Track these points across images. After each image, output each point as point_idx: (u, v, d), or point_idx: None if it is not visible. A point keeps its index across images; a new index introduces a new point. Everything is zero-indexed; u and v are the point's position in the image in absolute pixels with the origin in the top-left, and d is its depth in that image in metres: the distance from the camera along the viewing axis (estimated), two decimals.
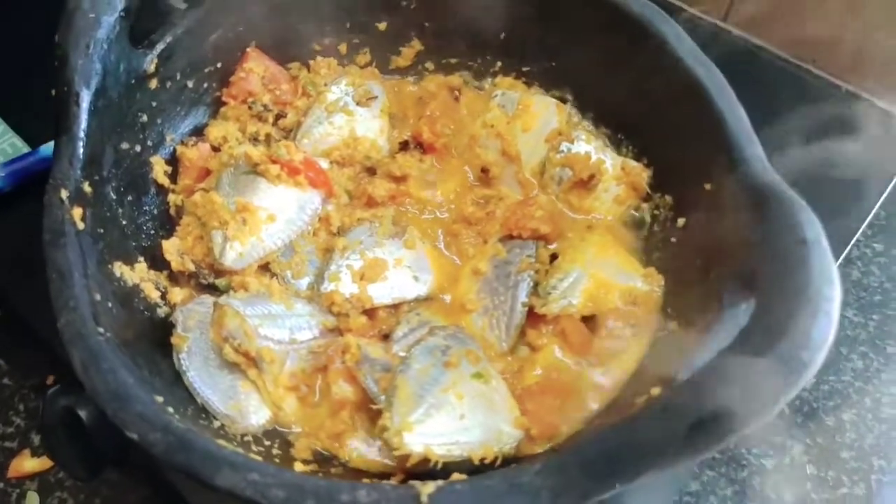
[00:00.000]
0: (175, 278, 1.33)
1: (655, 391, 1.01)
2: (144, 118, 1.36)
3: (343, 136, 1.49)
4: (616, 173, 1.43)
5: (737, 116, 1.24)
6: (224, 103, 1.50)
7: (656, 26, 1.35)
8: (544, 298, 1.29)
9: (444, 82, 1.59)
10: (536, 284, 1.32)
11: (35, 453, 1.39)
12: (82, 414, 1.32)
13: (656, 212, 1.40)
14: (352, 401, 1.20)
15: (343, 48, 1.59)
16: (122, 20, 1.28)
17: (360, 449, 1.17)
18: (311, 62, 1.57)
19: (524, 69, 1.59)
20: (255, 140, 1.48)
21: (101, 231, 1.24)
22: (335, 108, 1.50)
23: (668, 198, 1.38)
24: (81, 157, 1.21)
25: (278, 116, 1.52)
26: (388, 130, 1.53)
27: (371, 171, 1.49)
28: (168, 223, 1.39)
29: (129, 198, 1.33)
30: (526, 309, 1.29)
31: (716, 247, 1.19)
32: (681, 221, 1.33)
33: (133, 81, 1.33)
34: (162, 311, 1.29)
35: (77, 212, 1.17)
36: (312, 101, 1.52)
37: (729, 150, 1.22)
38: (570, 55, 1.51)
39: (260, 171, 1.34)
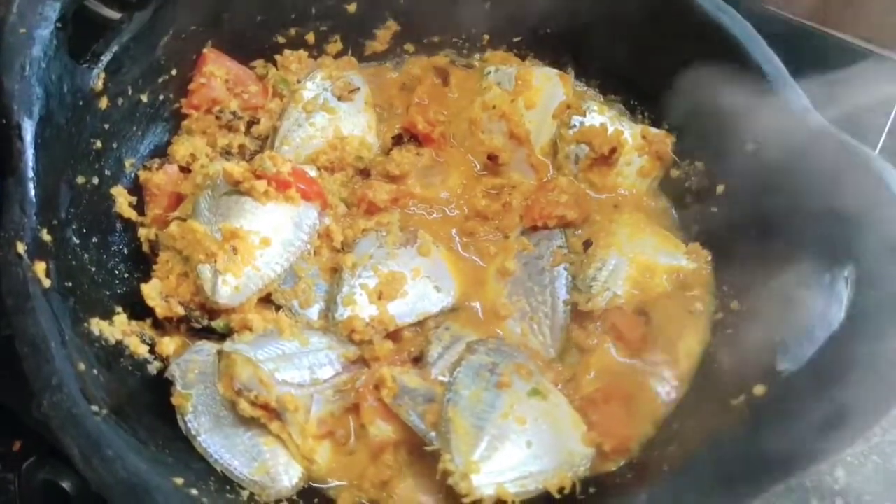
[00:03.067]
0: (162, 326, 1.14)
1: (759, 390, 0.88)
2: (98, 144, 1.16)
3: (327, 137, 1.31)
4: (637, 143, 1.29)
5: (774, 65, 1.13)
6: (185, 115, 1.30)
7: None
8: (587, 293, 1.16)
9: (429, 64, 1.43)
10: (573, 278, 1.18)
11: None
12: (66, 486, 1.16)
13: (687, 182, 1.27)
14: (393, 440, 1.05)
15: (311, 38, 1.40)
16: (58, 33, 1.07)
17: (413, 495, 1.02)
18: (278, 57, 1.38)
19: (515, 39, 1.43)
20: (227, 154, 1.30)
21: (70, 284, 1.04)
22: (314, 107, 1.32)
23: (699, 163, 1.26)
24: (34, 199, 1.01)
25: (250, 123, 1.33)
26: (376, 125, 1.36)
27: (365, 174, 1.32)
28: (142, 262, 1.20)
29: (94, 239, 1.14)
30: (569, 307, 1.15)
31: (774, 211, 1.08)
32: (720, 188, 1.21)
33: (80, 103, 1.12)
34: (154, 368, 1.10)
35: (40, 267, 0.97)
36: (287, 102, 1.33)
37: (772, 102, 1.11)
38: (567, 17, 1.36)
39: (244, 189, 1.16)
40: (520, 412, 1.00)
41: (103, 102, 1.16)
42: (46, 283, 0.97)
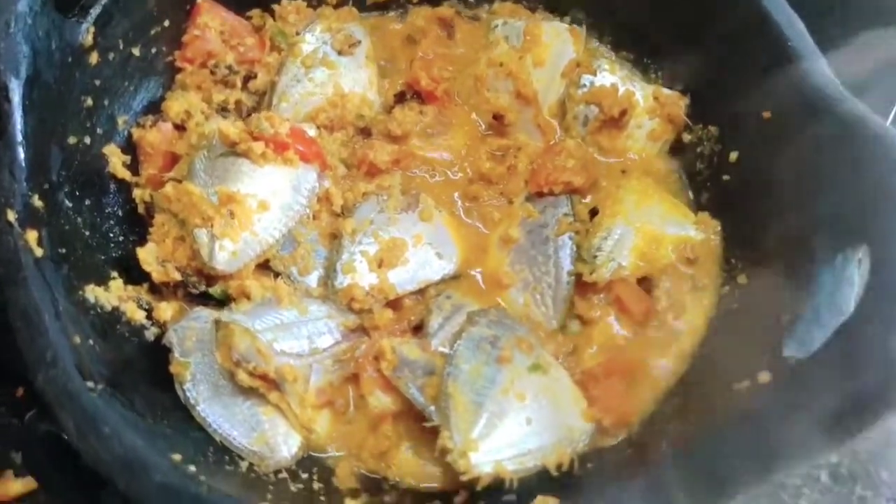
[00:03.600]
0: (159, 291, 1.13)
1: (764, 377, 0.87)
2: (89, 102, 1.12)
3: (327, 94, 1.26)
4: (648, 105, 1.25)
5: (795, 28, 1.07)
6: (180, 69, 1.25)
7: None
8: (591, 263, 1.13)
9: (433, 14, 1.36)
10: (578, 247, 1.15)
11: (18, 473, 1.20)
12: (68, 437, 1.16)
13: (699, 147, 1.23)
14: (392, 411, 1.04)
15: None
16: None
17: (411, 466, 1.02)
18: (276, 7, 1.32)
19: None
20: (223, 111, 1.25)
21: (63, 251, 1.02)
22: (313, 62, 1.27)
23: (713, 128, 1.21)
24: (24, 164, 0.98)
25: (247, 78, 1.28)
26: (377, 81, 1.31)
27: (365, 133, 1.27)
28: (138, 224, 1.17)
29: (88, 202, 1.11)
30: (573, 278, 1.13)
31: (790, 184, 1.04)
32: (733, 156, 1.17)
33: (69, 59, 1.08)
34: (151, 334, 1.09)
35: (31, 235, 0.95)
36: (285, 56, 1.28)
37: (790, 68, 1.06)
38: None
39: (240, 151, 1.12)
40: (520, 388, 0.99)
41: (93, 58, 1.12)
42: (38, 251, 0.95)
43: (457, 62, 1.33)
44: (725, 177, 1.18)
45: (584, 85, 1.26)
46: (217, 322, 1.04)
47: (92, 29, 1.10)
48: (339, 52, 1.28)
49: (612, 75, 1.26)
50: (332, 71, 1.27)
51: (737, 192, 1.16)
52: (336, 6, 1.36)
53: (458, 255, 1.18)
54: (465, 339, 1.04)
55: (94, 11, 1.10)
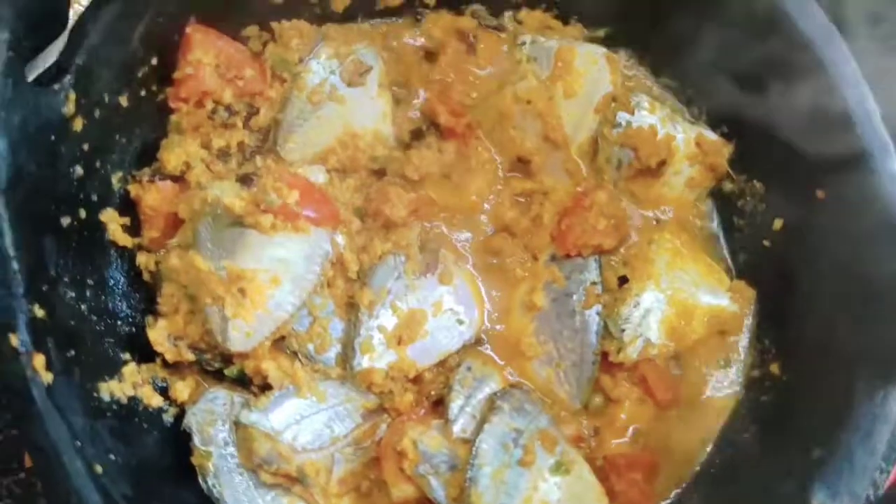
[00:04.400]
0: (173, 364, 1.09)
1: None
2: (79, 171, 1.02)
3: (337, 133, 1.14)
4: (689, 151, 1.14)
5: (872, 123, 0.95)
6: (173, 110, 1.12)
7: None
8: (618, 339, 1.09)
9: (452, 24, 1.20)
10: (605, 318, 1.10)
11: None
12: None
13: (741, 201, 1.14)
14: (415, 498, 1.06)
15: None
16: (12, 63, 0.89)
17: None
18: (275, 26, 1.16)
19: None
20: (225, 155, 1.14)
21: (72, 353, 0.98)
22: (320, 97, 1.13)
23: (758, 184, 1.12)
24: (20, 275, 0.91)
25: (248, 115, 1.16)
26: (391, 111, 1.18)
27: (380, 174, 1.17)
28: (144, 291, 1.12)
29: (90, 282, 1.05)
30: (598, 356, 1.10)
31: (837, 291, 0.98)
32: (777, 223, 1.09)
33: (53, 137, 0.96)
34: (170, 416, 1.08)
35: (39, 360, 0.90)
36: (289, 89, 1.14)
37: (858, 160, 0.96)
38: None
39: (248, 224, 1.04)
40: (543, 493, 1.00)
41: (78, 124, 1.00)
42: (48, 377, 0.91)
43: (479, 87, 1.19)
44: (766, 242, 1.11)
45: (620, 124, 1.14)
46: (237, 424, 1.02)
47: (72, 95, 0.97)
48: (349, 84, 1.15)
49: (651, 115, 1.14)
50: (342, 106, 1.14)
51: (778, 264, 1.09)
52: (344, 13, 1.19)
53: (479, 316, 1.14)
54: (488, 433, 1.03)
55: (72, 71, 0.97)
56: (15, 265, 0.91)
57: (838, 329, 0.97)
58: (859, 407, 0.91)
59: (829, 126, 0.99)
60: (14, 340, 0.89)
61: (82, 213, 1.03)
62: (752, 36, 1.03)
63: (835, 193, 0.99)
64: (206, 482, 1.03)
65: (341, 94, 1.14)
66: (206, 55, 1.10)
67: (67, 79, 0.97)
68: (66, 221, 1.00)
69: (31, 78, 0.94)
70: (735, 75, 1.11)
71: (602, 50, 1.16)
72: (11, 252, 0.90)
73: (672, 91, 1.19)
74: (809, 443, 0.93)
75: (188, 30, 1.10)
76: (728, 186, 1.15)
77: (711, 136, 1.14)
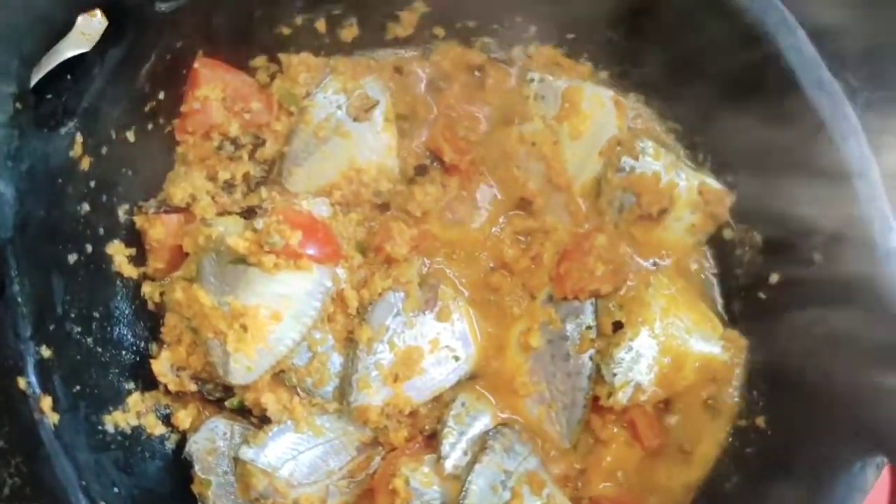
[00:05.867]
0: (175, 392, 1.13)
1: None
2: (86, 208, 1.04)
3: (341, 167, 1.15)
4: (691, 198, 1.14)
5: (869, 179, 0.95)
6: (178, 141, 1.13)
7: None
8: (609, 384, 1.11)
9: (461, 57, 1.20)
10: (598, 362, 1.12)
11: None
12: None
13: (739, 250, 1.14)
14: None
15: (321, 25, 1.15)
16: (19, 115, 0.90)
17: None
18: (283, 58, 1.15)
19: (569, 36, 1.18)
20: (230, 186, 1.16)
21: (78, 388, 1.02)
22: (326, 132, 1.14)
23: (758, 236, 1.12)
24: (27, 318, 0.94)
25: (254, 147, 1.16)
26: (396, 145, 1.18)
27: (383, 207, 1.18)
28: (148, 319, 1.15)
29: (96, 314, 1.08)
30: (589, 399, 1.12)
31: (824, 360, 0.99)
32: (774, 277, 1.09)
33: (60, 180, 0.98)
34: (171, 443, 1.12)
35: (46, 403, 0.94)
36: (295, 123, 1.15)
37: (854, 224, 0.96)
38: (639, 26, 1.11)
39: (251, 262, 1.06)
40: None
41: (85, 163, 1.01)
42: (55, 418, 0.95)
43: (484, 124, 1.19)
44: (762, 294, 1.11)
45: (624, 169, 1.14)
46: (236, 460, 1.06)
47: (80, 138, 0.98)
48: (355, 119, 1.15)
49: (655, 161, 1.14)
50: (347, 141, 1.15)
51: (772, 318, 1.10)
52: (352, 43, 1.19)
53: (475, 352, 1.16)
54: (478, 474, 1.07)
55: (78, 116, 0.98)
56: (23, 310, 0.94)
57: (824, 395, 0.98)
58: (838, 475, 0.93)
59: (829, 190, 0.99)
60: (22, 383, 0.93)
61: (88, 248, 1.06)
62: (761, 95, 1.02)
63: (832, 258, 0.99)
64: None
65: (347, 129, 1.15)
66: (213, 90, 1.11)
67: (74, 122, 0.98)
68: (73, 258, 1.03)
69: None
70: (742, 126, 1.10)
71: (609, 93, 1.16)
72: (20, 299, 0.93)
73: (677, 134, 1.18)
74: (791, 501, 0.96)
75: (196, 65, 1.10)
76: (728, 234, 1.16)
77: (714, 184, 1.14)
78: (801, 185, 1.02)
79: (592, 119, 1.15)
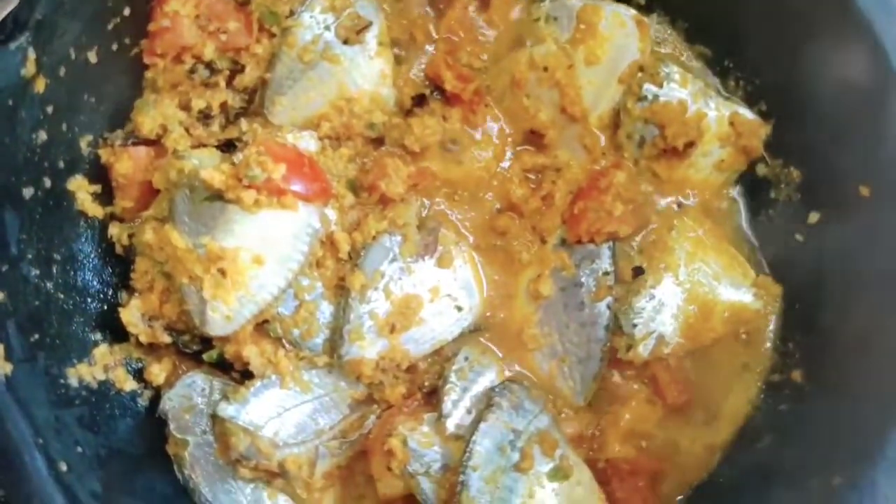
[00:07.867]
0: (149, 344, 1.03)
1: None
2: (43, 136, 0.92)
3: (330, 96, 1.04)
4: (721, 130, 1.03)
5: None
6: (147, 65, 1.01)
7: None
8: (629, 336, 1.01)
9: None
10: (616, 312, 1.02)
11: None
12: None
13: (774, 190, 1.03)
14: (403, 495, 1.00)
15: None
16: None
17: None
18: None
19: None
20: (206, 118, 1.04)
21: (36, 337, 0.91)
22: (313, 55, 1.02)
23: (795, 172, 1.01)
24: None
25: (232, 72, 1.04)
26: (392, 72, 1.06)
27: (377, 142, 1.07)
28: (116, 265, 1.04)
29: (57, 257, 0.97)
30: (606, 352, 1.02)
31: (880, 287, 0.88)
32: (813, 217, 0.98)
33: (10, 102, 0.87)
34: (144, 399, 1.02)
35: None
36: (278, 45, 1.03)
37: None
38: None
39: (229, 199, 0.95)
40: (539, 501, 0.94)
41: (40, 84, 0.90)
42: (8, 368, 0.84)
43: (490, 49, 1.07)
44: (799, 237, 1.01)
45: (646, 97, 1.03)
46: (214, 418, 0.96)
47: (32, 54, 0.87)
48: (345, 41, 1.03)
49: (681, 88, 1.02)
50: (336, 66, 1.03)
51: (810, 262, 0.99)
52: None
53: (480, 302, 1.06)
54: (483, 434, 0.96)
55: (31, 28, 0.86)
56: None
57: (873, 343, 0.88)
58: (890, 433, 0.83)
59: (883, 112, 0.87)
60: None
61: (47, 183, 0.94)
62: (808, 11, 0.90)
63: (882, 192, 0.88)
64: (181, 472, 0.98)
65: (336, 52, 1.03)
66: (184, 5, 0.99)
67: (25, 36, 0.86)
68: (28, 192, 0.91)
69: None
70: (780, 44, 0.98)
71: (631, 12, 1.04)
72: None
73: (707, 60, 1.07)
74: (830, 466, 0.86)
75: None
76: (761, 171, 1.04)
77: (748, 114, 1.03)
78: (851, 110, 0.91)
79: (611, 41, 1.03)
